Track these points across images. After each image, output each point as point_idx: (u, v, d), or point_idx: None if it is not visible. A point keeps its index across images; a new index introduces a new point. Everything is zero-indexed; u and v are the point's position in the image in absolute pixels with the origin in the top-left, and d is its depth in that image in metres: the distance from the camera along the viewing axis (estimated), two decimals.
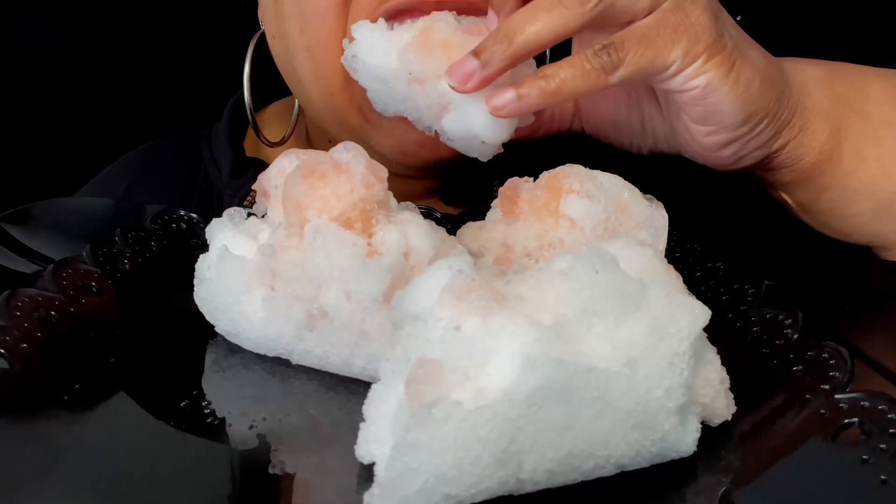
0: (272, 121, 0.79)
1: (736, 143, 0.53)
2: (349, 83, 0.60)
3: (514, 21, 0.48)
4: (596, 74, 0.48)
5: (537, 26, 0.47)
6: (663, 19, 0.48)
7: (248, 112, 0.71)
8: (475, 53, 0.47)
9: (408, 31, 0.51)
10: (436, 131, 0.52)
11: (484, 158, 0.53)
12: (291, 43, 0.63)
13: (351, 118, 0.63)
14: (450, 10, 0.54)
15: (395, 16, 0.57)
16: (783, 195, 0.59)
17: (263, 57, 0.70)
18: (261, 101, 0.80)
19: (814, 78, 0.55)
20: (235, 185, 0.71)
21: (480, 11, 0.55)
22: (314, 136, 0.75)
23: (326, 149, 0.67)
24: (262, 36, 0.70)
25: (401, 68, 0.50)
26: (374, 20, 0.56)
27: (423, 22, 0.51)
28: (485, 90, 0.49)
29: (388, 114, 0.53)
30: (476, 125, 0.50)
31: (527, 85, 0.47)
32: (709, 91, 0.49)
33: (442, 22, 0.51)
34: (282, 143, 0.73)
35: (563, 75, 0.48)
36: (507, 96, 0.47)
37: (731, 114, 0.50)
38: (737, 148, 0.53)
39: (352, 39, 0.52)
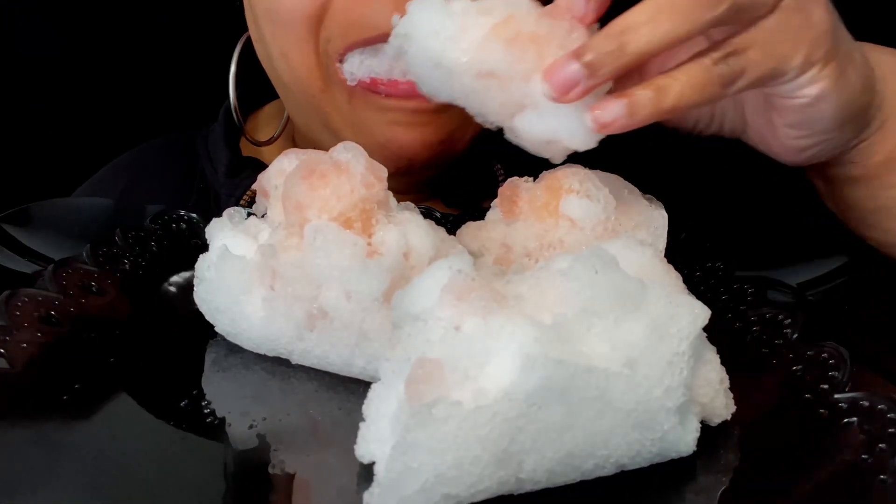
0: (267, 121, 0.79)
1: (821, 144, 0.49)
2: (328, 86, 0.60)
3: (629, 21, 0.40)
4: (714, 87, 0.42)
5: (659, 31, 0.40)
6: (785, 21, 0.43)
7: (234, 112, 0.71)
8: (578, 55, 0.40)
9: (475, 14, 0.43)
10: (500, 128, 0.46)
11: (557, 161, 0.46)
12: (268, 47, 0.63)
13: (332, 120, 0.63)
14: None
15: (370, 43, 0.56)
16: (835, 190, 0.55)
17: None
18: (258, 101, 0.80)
19: (892, 68, 0.51)
20: (232, 185, 0.71)
21: None
22: (298, 139, 0.75)
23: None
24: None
25: (474, 61, 0.42)
26: (349, 44, 0.56)
27: (496, 5, 0.43)
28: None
29: (436, 100, 0.46)
30: (562, 132, 0.43)
31: (637, 98, 0.41)
32: (819, 100, 0.45)
33: (524, 7, 0.42)
34: (270, 142, 0.74)
35: (678, 89, 0.41)
36: (615, 111, 0.41)
37: (830, 120, 0.47)
38: (819, 149, 0.49)
39: (403, 14, 0.45)
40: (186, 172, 0.77)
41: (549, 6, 0.43)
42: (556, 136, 0.44)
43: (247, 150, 0.77)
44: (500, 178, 0.70)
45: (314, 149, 0.70)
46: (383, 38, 0.56)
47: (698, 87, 0.42)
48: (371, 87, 0.58)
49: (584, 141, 0.44)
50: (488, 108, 0.44)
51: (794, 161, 0.51)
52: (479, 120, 0.46)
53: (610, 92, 0.43)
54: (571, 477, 0.37)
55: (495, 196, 0.51)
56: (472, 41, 0.42)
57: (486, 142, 0.69)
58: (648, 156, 0.74)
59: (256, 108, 0.81)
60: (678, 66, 0.42)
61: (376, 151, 0.61)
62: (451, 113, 0.58)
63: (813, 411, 0.42)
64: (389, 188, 0.48)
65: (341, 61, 0.58)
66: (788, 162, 0.51)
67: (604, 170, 0.49)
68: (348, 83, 0.58)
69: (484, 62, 0.42)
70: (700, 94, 0.42)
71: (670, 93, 0.41)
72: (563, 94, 0.41)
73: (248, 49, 0.70)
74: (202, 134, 0.79)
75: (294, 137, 0.76)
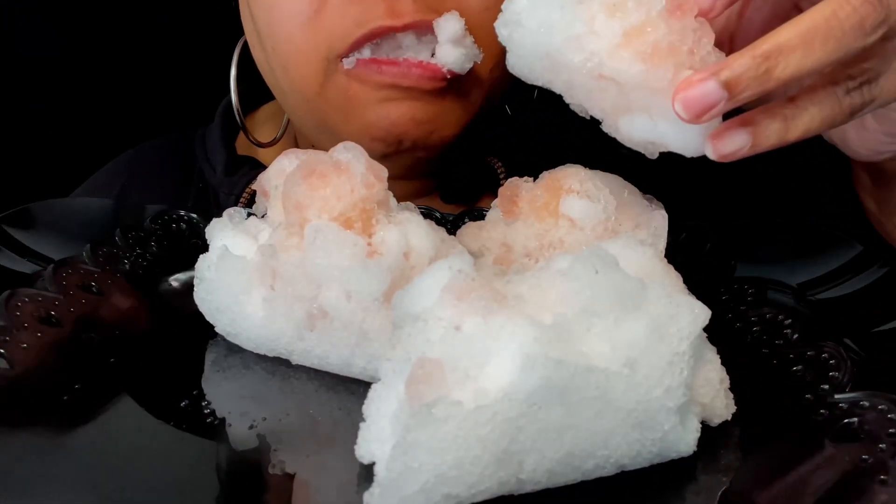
0: (264, 121, 0.79)
1: None
2: (324, 88, 0.61)
3: (779, 42, 0.37)
4: (843, 117, 0.39)
5: (811, 58, 0.37)
6: None
7: (237, 114, 0.71)
8: (716, 75, 0.37)
9: (605, 15, 0.39)
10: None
11: (651, 157, 0.43)
12: (266, 51, 0.64)
13: (330, 118, 0.63)
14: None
15: (370, 39, 0.57)
16: (885, 184, 0.52)
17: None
18: (255, 101, 0.80)
19: None
20: (230, 184, 0.71)
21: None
22: (299, 139, 0.76)
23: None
24: None
25: (597, 65, 0.40)
26: (350, 43, 0.56)
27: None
28: None
29: (526, 80, 0.44)
30: (673, 140, 0.41)
31: (762, 129, 0.39)
32: None
33: (655, 6, 0.39)
34: (273, 143, 0.74)
35: (807, 120, 0.39)
36: (738, 142, 0.39)
37: None
38: None
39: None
40: (185, 172, 0.77)
41: (672, 5, 0.39)
42: (663, 142, 0.41)
43: (242, 149, 0.77)
44: (500, 174, 0.70)
45: (314, 147, 0.71)
46: (385, 30, 0.56)
47: (827, 119, 0.39)
48: (371, 62, 0.58)
49: (695, 151, 0.41)
50: (595, 104, 0.42)
51: (869, 159, 0.48)
52: (580, 113, 0.44)
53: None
54: (572, 477, 0.37)
55: (492, 190, 0.51)
56: (600, 46, 0.39)
57: (482, 135, 0.69)
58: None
59: (253, 109, 0.81)
60: (807, 93, 0.40)
61: (367, 133, 0.61)
62: (444, 93, 0.59)
63: (813, 411, 0.42)
64: (397, 193, 0.48)
65: (347, 56, 0.59)
66: (862, 158, 0.49)
67: (604, 170, 0.49)
68: (345, 67, 0.58)
69: (608, 69, 0.40)
70: (828, 125, 0.40)
71: (798, 124, 0.39)
72: (696, 117, 0.38)
73: (245, 50, 0.71)
74: (199, 134, 0.79)
75: (295, 138, 0.77)
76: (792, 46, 0.37)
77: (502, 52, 0.62)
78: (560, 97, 0.44)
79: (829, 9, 0.37)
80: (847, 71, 0.40)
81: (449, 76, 0.57)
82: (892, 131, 0.46)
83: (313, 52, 0.59)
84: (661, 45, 0.38)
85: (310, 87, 0.61)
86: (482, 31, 0.59)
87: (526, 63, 0.42)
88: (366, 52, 0.57)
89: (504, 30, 0.42)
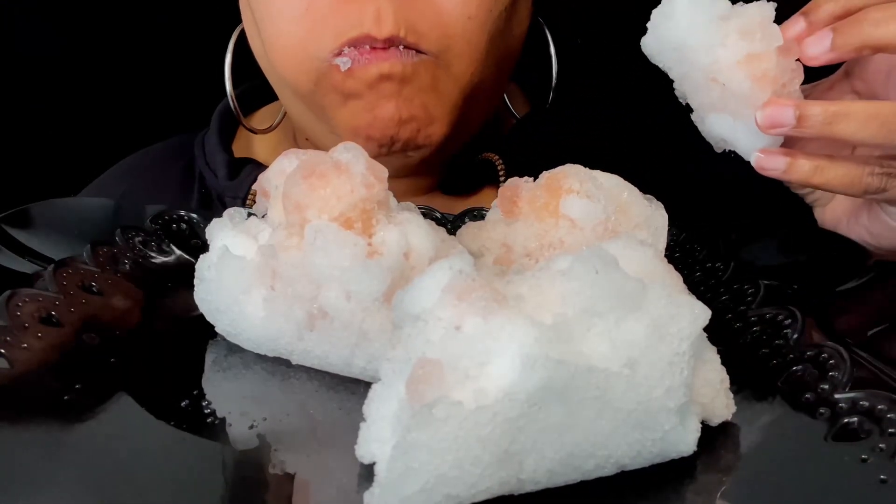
0: (261, 122, 0.80)
1: None
2: (318, 85, 0.61)
3: (849, 110, 0.46)
4: (857, 190, 0.49)
5: (864, 132, 0.46)
6: None
7: (231, 101, 0.72)
8: (796, 106, 0.47)
9: (737, 35, 0.48)
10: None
11: (717, 151, 0.54)
12: (262, 45, 0.65)
13: (324, 112, 0.63)
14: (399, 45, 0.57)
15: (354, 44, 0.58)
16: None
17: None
18: (250, 107, 0.81)
19: None
20: (234, 187, 0.72)
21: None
22: (296, 131, 0.76)
23: (303, 145, 0.68)
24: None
25: (716, 71, 0.49)
26: (342, 42, 0.57)
27: (756, 29, 0.48)
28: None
29: (651, 58, 0.52)
30: (742, 143, 0.51)
31: (798, 165, 0.48)
32: None
33: (776, 42, 0.48)
34: (269, 130, 0.74)
35: (832, 175, 0.48)
36: (776, 164, 0.49)
37: None
38: None
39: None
40: (187, 177, 0.77)
41: (784, 45, 0.49)
42: (733, 141, 0.51)
43: (240, 151, 0.78)
44: (500, 170, 0.71)
45: (308, 140, 0.71)
46: (367, 39, 0.57)
47: (846, 184, 0.48)
48: (359, 54, 0.59)
49: (749, 156, 0.51)
50: (697, 97, 0.51)
51: (866, 244, 0.56)
52: (676, 93, 0.52)
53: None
54: (572, 477, 0.37)
55: (492, 183, 0.52)
56: (724, 59, 0.49)
57: (482, 133, 0.69)
58: (648, 156, 0.74)
59: (252, 111, 0.81)
60: (844, 157, 0.49)
61: (361, 132, 0.61)
62: (422, 89, 0.61)
63: (813, 411, 0.42)
64: (397, 193, 0.48)
65: (339, 54, 0.59)
66: (862, 243, 0.56)
67: (604, 170, 0.49)
68: (342, 69, 0.59)
69: (724, 77, 0.49)
70: (844, 188, 0.49)
71: (824, 175, 0.48)
72: (767, 128, 0.48)
73: (242, 48, 0.71)
74: (199, 138, 0.79)
75: (293, 131, 0.77)
76: (856, 117, 0.46)
77: (484, 58, 0.64)
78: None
79: None
80: (881, 160, 0.49)
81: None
82: (876, 231, 0.55)
83: (304, 49, 0.60)
84: (768, 74, 0.48)
85: (304, 83, 0.62)
86: (462, 40, 0.60)
87: (658, 46, 0.51)
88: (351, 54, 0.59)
89: (657, 18, 0.50)
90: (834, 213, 0.59)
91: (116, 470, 0.38)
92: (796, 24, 0.50)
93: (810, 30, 0.49)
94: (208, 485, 0.38)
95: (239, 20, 0.71)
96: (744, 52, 0.48)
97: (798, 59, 0.49)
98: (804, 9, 0.50)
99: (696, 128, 0.54)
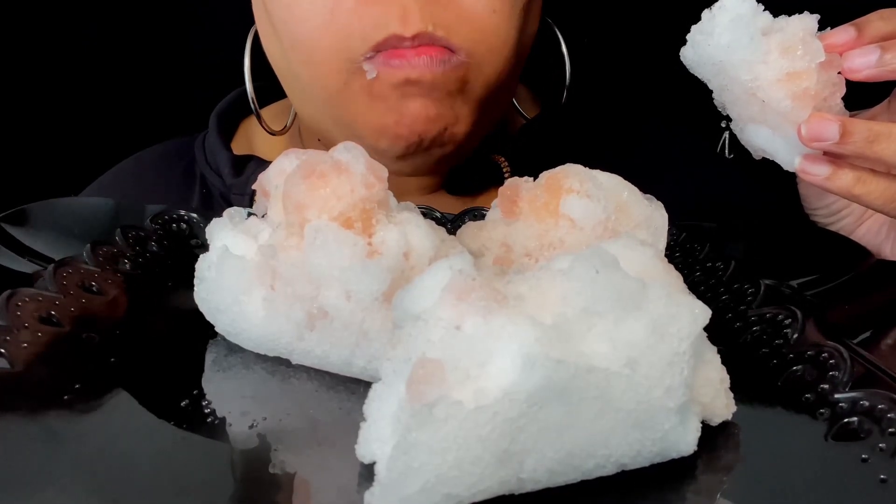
0: (269, 122, 0.79)
1: None
2: (347, 86, 0.61)
3: (892, 132, 0.47)
4: (890, 208, 0.50)
5: None
6: None
7: (251, 100, 0.72)
8: (840, 123, 0.47)
9: (777, 52, 0.48)
10: None
11: (756, 158, 0.54)
12: (281, 47, 0.64)
13: (349, 114, 0.63)
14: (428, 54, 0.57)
15: (382, 48, 0.57)
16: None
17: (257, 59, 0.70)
18: (248, 109, 0.81)
19: None
20: (241, 184, 0.71)
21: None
22: (304, 133, 0.76)
23: (309, 145, 0.68)
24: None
25: (755, 87, 0.49)
26: (371, 45, 0.57)
27: (797, 46, 0.48)
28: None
29: (690, 69, 0.52)
30: (780, 153, 0.51)
31: (839, 175, 0.49)
32: None
33: (817, 58, 0.48)
34: (284, 131, 0.74)
35: (870, 189, 0.49)
36: (819, 171, 0.49)
37: None
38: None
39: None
40: (187, 178, 0.77)
41: (826, 61, 0.48)
42: (772, 152, 0.52)
43: (239, 149, 0.77)
44: (505, 172, 0.71)
45: (320, 141, 0.71)
46: (395, 40, 0.57)
47: (882, 199, 0.50)
48: (383, 60, 0.59)
49: (789, 165, 0.52)
50: (736, 108, 0.51)
51: (824, 219, 0.59)
52: (716, 103, 0.52)
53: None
54: (572, 477, 0.37)
55: (497, 185, 0.52)
56: (765, 76, 0.49)
57: (490, 135, 0.69)
58: (649, 156, 0.74)
59: (249, 114, 0.81)
60: (884, 174, 0.50)
61: (389, 131, 0.61)
62: (453, 90, 0.60)
63: (813, 411, 0.42)
64: (397, 192, 0.48)
65: (369, 58, 0.59)
66: (880, 254, 0.58)
67: (604, 170, 0.49)
68: (368, 76, 0.59)
69: (764, 94, 0.49)
70: (880, 204, 0.50)
71: (863, 188, 0.49)
72: (811, 140, 0.48)
73: (239, 48, 0.71)
74: (199, 139, 0.79)
75: (299, 129, 0.77)
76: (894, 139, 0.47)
77: (507, 55, 0.64)
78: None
79: None
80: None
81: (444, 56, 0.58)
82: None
83: (333, 52, 0.59)
84: (809, 91, 0.48)
85: (332, 84, 0.62)
86: (488, 34, 0.60)
87: (698, 60, 0.51)
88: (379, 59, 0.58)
89: (697, 35, 0.50)
90: (870, 228, 0.60)
91: (116, 470, 0.38)
92: (844, 33, 0.49)
93: (858, 42, 0.49)
94: (208, 484, 0.38)
95: (237, 22, 0.71)
96: (784, 71, 0.48)
97: (839, 73, 0.49)
98: (855, 21, 0.50)
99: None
